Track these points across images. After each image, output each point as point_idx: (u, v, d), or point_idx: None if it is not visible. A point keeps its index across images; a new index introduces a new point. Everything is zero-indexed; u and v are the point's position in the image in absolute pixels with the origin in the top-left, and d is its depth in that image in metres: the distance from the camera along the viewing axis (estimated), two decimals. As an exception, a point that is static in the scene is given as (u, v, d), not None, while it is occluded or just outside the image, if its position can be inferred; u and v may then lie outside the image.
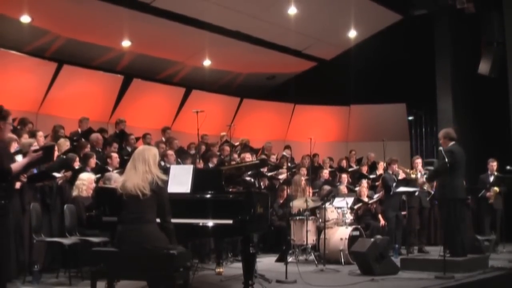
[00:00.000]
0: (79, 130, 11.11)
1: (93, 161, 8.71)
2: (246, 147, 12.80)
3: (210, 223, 5.88)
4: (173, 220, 5.29)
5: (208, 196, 6.09)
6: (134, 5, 11.87)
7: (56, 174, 7.65)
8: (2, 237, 5.15)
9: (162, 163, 9.53)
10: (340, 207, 9.88)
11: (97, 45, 13.12)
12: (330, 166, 13.41)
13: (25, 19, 11.57)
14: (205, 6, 12.32)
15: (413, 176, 10.71)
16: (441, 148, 8.48)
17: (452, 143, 8.53)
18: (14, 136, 7.18)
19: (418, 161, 11.21)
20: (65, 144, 8.99)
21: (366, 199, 11.18)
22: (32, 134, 8.71)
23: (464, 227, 8.67)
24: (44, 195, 7.73)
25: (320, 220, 9.54)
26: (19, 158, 6.03)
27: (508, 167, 11.12)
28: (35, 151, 5.54)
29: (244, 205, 5.89)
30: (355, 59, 15.17)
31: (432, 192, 11.50)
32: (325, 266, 8.56)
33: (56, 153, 8.05)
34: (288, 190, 10.51)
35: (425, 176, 11.23)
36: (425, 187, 11.22)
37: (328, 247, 9.15)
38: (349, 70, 15.31)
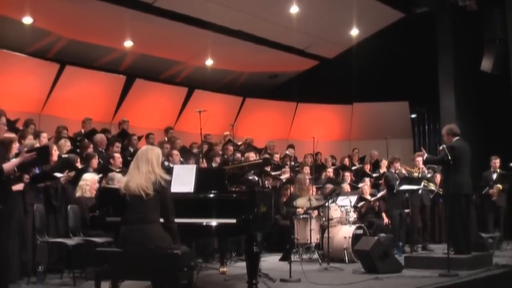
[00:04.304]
0: (82, 130, 11.13)
1: (95, 162, 8.70)
2: (249, 146, 12.80)
3: (213, 222, 5.87)
4: (177, 220, 5.29)
5: (212, 195, 6.08)
6: (136, 5, 11.88)
7: (58, 175, 7.66)
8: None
9: (166, 163, 9.53)
10: (343, 206, 9.88)
11: (99, 46, 13.13)
12: (333, 164, 13.40)
13: (27, 20, 11.59)
14: (207, 5, 12.32)
15: (415, 174, 10.70)
16: (443, 145, 8.49)
17: (456, 138, 8.56)
18: (14, 136, 7.17)
19: (419, 159, 11.14)
20: (65, 145, 8.99)
21: (369, 197, 11.18)
22: (36, 135, 8.72)
23: (469, 224, 8.65)
24: (49, 196, 7.74)
25: (324, 219, 9.54)
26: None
27: (511, 164, 11.12)
28: (29, 151, 5.54)
29: (247, 204, 5.88)
30: (357, 58, 15.18)
31: (436, 190, 11.49)
32: (329, 264, 8.55)
33: (56, 154, 8.07)
34: (292, 189, 10.52)
35: (429, 174, 11.23)
36: (432, 186, 11.21)
37: (331, 246, 9.13)
38: (351, 69, 15.34)
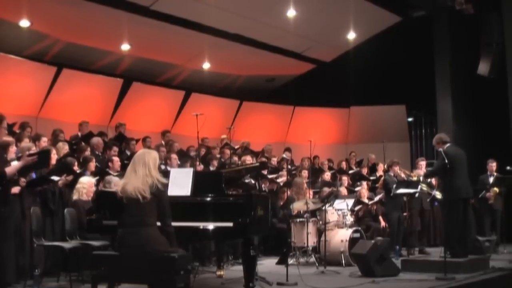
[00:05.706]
0: (79, 134, 11.11)
1: (92, 165, 8.69)
2: (246, 149, 12.80)
3: (210, 226, 5.88)
4: (174, 223, 5.29)
5: (209, 199, 6.09)
6: (133, 8, 11.87)
7: (55, 178, 7.64)
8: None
9: (163, 167, 9.52)
10: (340, 209, 9.87)
11: (96, 49, 13.12)
12: (330, 168, 13.40)
13: (24, 23, 11.58)
14: (204, 9, 12.32)
15: (414, 178, 10.70)
16: (440, 149, 8.52)
17: (447, 145, 8.59)
18: (12, 139, 7.16)
19: (423, 163, 11.11)
20: (63, 148, 8.95)
21: (366, 201, 11.18)
22: (36, 139, 8.68)
23: (466, 227, 8.66)
24: (46, 200, 7.72)
25: (321, 222, 9.54)
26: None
27: (508, 168, 11.13)
28: (30, 155, 5.54)
29: (244, 207, 5.90)
30: (354, 61, 15.20)
31: (433, 194, 11.48)
32: (326, 268, 8.55)
33: (55, 157, 8.04)
34: (289, 192, 10.51)
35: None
36: (424, 187, 11.21)
37: (328, 249, 9.14)
38: (348, 72, 15.34)
